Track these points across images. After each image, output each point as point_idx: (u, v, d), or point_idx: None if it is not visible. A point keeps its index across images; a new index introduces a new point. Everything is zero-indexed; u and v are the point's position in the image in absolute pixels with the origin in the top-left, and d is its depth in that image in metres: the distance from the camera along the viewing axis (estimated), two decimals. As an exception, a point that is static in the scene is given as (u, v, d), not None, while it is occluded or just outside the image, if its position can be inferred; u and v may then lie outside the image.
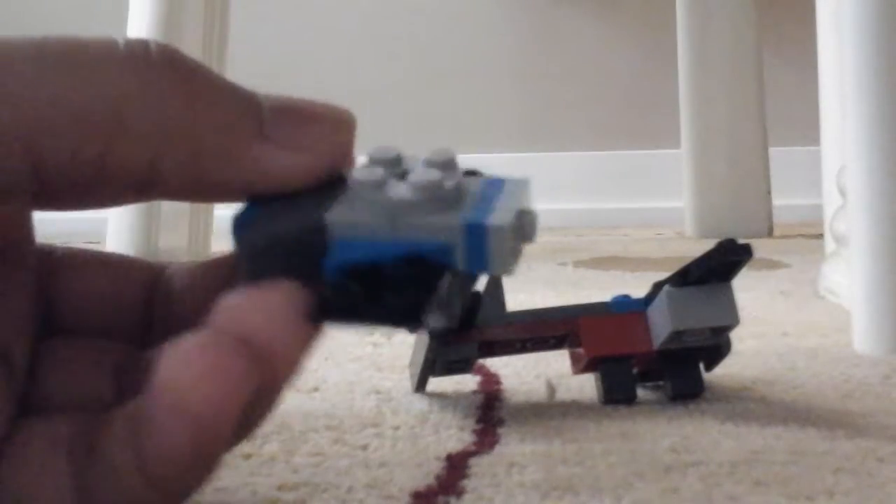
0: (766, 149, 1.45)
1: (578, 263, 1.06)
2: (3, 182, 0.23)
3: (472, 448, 0.36)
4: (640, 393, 0.44)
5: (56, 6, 1.96)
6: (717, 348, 0.43)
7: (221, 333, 0.23)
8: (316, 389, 0.45)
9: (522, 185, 0.26)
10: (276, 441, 0.37)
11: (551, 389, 0.45)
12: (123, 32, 1.08)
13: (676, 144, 1.50)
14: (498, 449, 0.36)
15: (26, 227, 0.27)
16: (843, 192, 0.61)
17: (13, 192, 0.24)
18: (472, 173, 0.27)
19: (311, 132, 0.26)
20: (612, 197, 1.90)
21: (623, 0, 1.94)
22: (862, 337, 0.52)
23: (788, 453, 0.35)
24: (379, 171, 0.25)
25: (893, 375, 0.47)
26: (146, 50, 0.24)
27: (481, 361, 0.47)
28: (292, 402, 0.43)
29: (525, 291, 0.77)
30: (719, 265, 0.40)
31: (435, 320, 0.24)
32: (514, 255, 0.25)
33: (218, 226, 1.13)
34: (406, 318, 0.24)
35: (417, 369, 0.44)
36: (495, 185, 0.26)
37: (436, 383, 0.45)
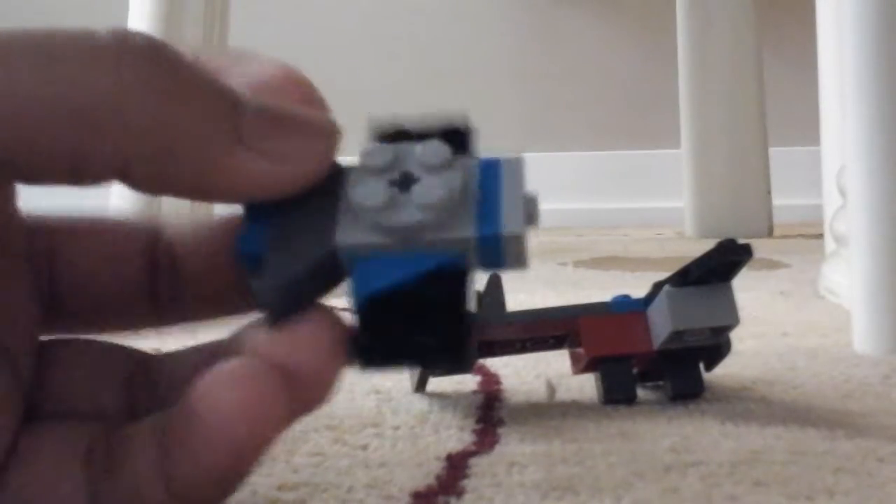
0: (766, 149, 1.45)
1: (578, 263, 1.06)
2: None
3: (472, 448, 0.36)
4: (640, 393, 0.44)
5: (56, 6, 1.96)
6: (717, 348, 0.43)
7: (262, 362, 0.24)
8: (316, 389, 0.45)
9: (518, 165, 0.25)
10: (266, 452, 0.37)
11: (551, 389, 0.45)
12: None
13: (676, 144, 1.50)
14: (498, 449, 0.36)
15: (9, 214, 0.26)
16: (843, 192, 0.61)
17: None
18: (458, 141, 0.26)
19: (294, 141, 0.24)
20: (612, 197, 1.90)
21: (623, 0, 1.94)
22: (862, 337, 0.52)
23: (788, 453, 0.35)
24: (380, 189, 0.24)
25: (893, 375, 0.47)
26: (127, 41, 0.23)
27: (481, 361, 0.47)
28: (292, 402, 0.43)
29: (525, 291, 0.77)
30: (719, 265, 0.40)
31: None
32: (526, 246, 0.24)
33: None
34: (446, 342, 0.24)
35: (417, 369, 0.44)
36: (493, 172, 0.25)
37: (436, 383, 0.45)
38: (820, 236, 0.81)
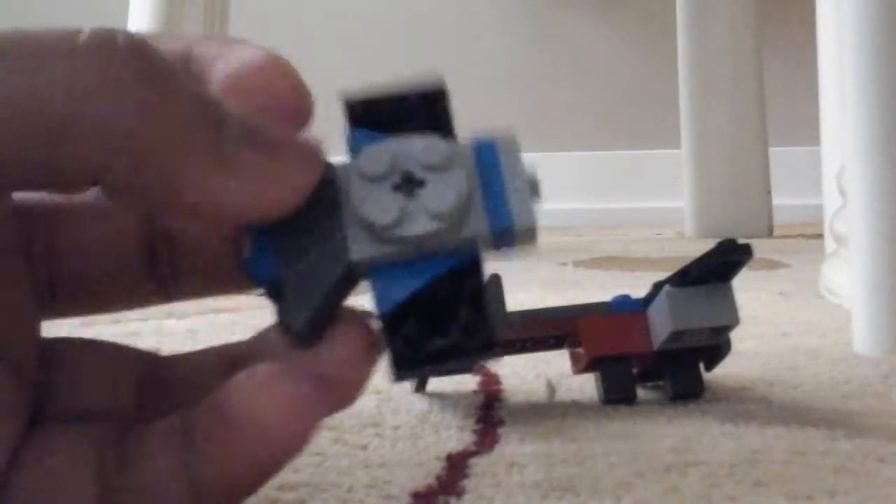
0: (766, 149, 1.45)
1: (578, 263, 1.06)
2: None
3: (472, 448, 0.36)
4: (640, 393, 0.44)
5: (56, 7, 1.96)
6: (717, 348, 0.43)
7: (297, 366, 0.24)
8: (316, 389, 0.45)
9: (512, 144, 0.25)
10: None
11: (551, 389, 0.45)
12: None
13: (676, 144, 1.50)
14: (498, 449, 0.36)
15: (2, 216, 0.26)
16: (843, 192, 0.61)
17: None
18: (435, 105, 0.25)
19: (275, 168, 0.23)
20: (612, 197, 1.90)
21: (623, 0, 1.94)
22: (862, 337, 0.52)
23: (788, 453, 0.35)
24: (388, 202, 0.24)
25: (893, 375, 0.47)
26: (110, 42, 0.22)
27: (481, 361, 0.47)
28: (292, 402, 0.43)
29: (525, 291, 0.77)
30: (719, 265, 0.40)
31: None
32: (536, 225, 0.24)
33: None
34: (475, 334, 0.24)
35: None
36: (490, 157, 0.25)
37: (436, 383, 0.45)
38: (820, 236, 0.81)
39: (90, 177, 0.22)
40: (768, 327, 0.61)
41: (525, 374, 0.48)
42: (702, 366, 0.43)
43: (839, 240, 0.69)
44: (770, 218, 1.45)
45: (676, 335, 0.41)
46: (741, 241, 0.40)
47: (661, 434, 0.38)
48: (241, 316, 0.69)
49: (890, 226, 0.52)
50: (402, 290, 0.24)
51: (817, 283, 0.76)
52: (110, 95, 0.22)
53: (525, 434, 0.38)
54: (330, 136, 0.25)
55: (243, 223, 0.24)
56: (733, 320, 0.41)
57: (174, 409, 0.25)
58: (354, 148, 0.25)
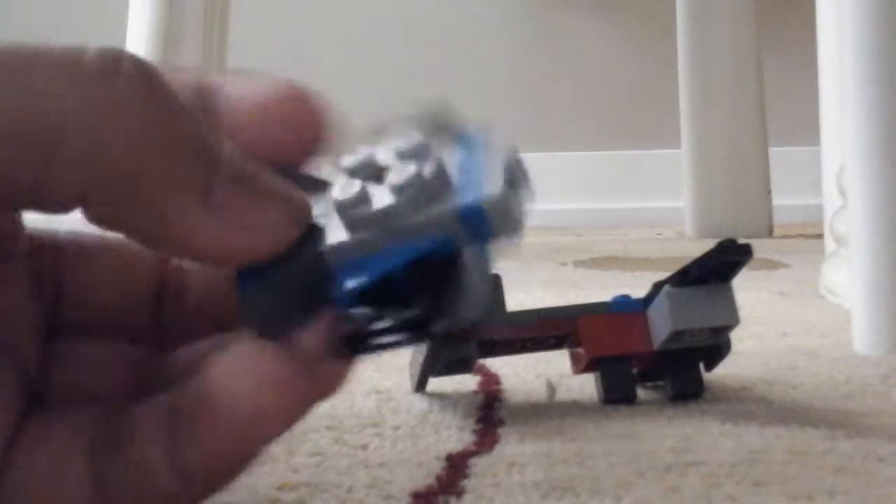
0: (766, 149, 1.45)
1: (578, 263, 1.06)
2: None
3: (472, 448, 0.36)
4: (640, 393, 0.44)
5: (56, 10, 1.96)
6: (717, 348, 0.43)
7: (278, 347, 0.24)
8: (316, 389, 0.45)
9: (492, 135, 0.25)
10: (276, 441, 0.37)
11: (551, 389, 0.45)
12: (124, 36, 1.08)
13: (676, 144, 1.50)
14: (498, 449, 0.36)
15: (10, 224, 0.26)
16: (843, 192, 0.61)
17: None
18: (438, 120, 0.25)
19: (260, 215, 0.23)
20: (612, 197, 1.90)
21: (623, 0, 1.94)
22: (862, 337, 0.52)
23: (788, 453, 0.35)
24: (357, 185, 0.24)
25: (893, 375, 0.47)
26: (116, 62, 0.22)
27: (481, 361, 0.47)
28: (292, 402, 0.43)
29: (525, 291, 0.77)
30: (719, 265, 0.40)
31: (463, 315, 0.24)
32: (519, 214, 0.24)
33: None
34: (439, 321, 0.24)
35: (417, 369, 0.44)
36: (468, 146, 0.25)
37: (436, 383, 0.45)
38: (820, 236, 0.81)
39: (77, 198, 0.22)
40: (768, 327, 0.61)
41: (525, 374, 0.48)
42: (702, 366, 0.43)
43: (839, 240, 0.69)
44: (770, 218, 1.45)
45: (676, 335, 0.41)
46: (741, 241, 0.40)
47: (661, 434, 0.38)
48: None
49: (890, 226, 0.52)
50: (363, 274, 0.24)
51: (817, 283, 0.76)
52: (107, 121, 0.22)
53: (525, 434, 0.38)
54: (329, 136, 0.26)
55: (217, 264, 0.24)
56: (733, 320, 0.41)
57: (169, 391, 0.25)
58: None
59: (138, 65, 0.22)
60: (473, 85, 1.97)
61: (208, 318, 0.28)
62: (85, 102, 0.22)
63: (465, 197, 0.23)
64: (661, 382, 0.44)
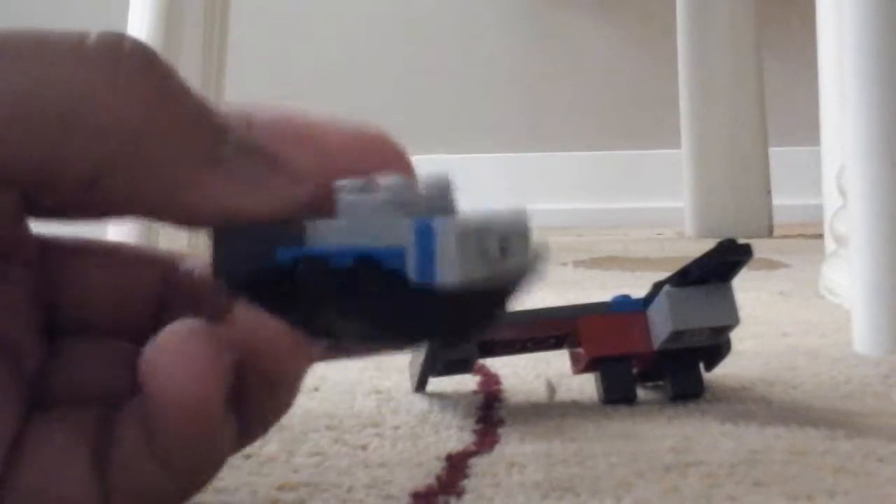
0: (766, 149, 1.45)
1: (578, 263, 1.06)
2: None
3: (472, 448, 0.36)
4: (640, 393, 0.44)
5: (56, 9, 1.96)
6: (717, 348, 0.43)
7: (197, 322, 0.24)
8: (316, 389, 0.45)
9: (518, 214, 0.24)
10: (276, 441, 0.37)
11: (551, 389, 0.45)
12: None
13: (676, 144, 1.50)
14: (498, 449, 0.36)
15: (14, 223, 0.27)
16: (843, 192, 0.61)
17: None
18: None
19: (271, 178, 0.24)
20: (612, 197, 1.90)
21: (623, 0, 1.94)
22: (862, 337, 0.52)
23: (788, 453, 0.35)
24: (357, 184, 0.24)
25: (893, 375, 0.47)
26: (117, 45, 0.23)
27: (481, 361, 0.47)
28: (292, 402, 0.43)
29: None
30: (719, 265, 0.40)
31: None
32: (477, 270, 0.23)
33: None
34: (370, 327, 0.23)
35: (417, 369, 0.44)
36: (480, 212, 0.24)
37: (436, 383, 0.45)
38: (820, 236, 0.81)
39: (89, 178, 0.23)
40: (768, 327, 0.61)
41: (525, 374, 0.48)
42: (702, 366, 0.43)
43: (839, 240, 0.69)
44: (770, 218, 1.45)
45: (676, 335, 0.41)
46: (741, 241, 0.40)
47: (661, 434, 0.38)
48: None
49: (890, 226, 0.52)
50: (312, 248, 0.24)
51: (817, 283, 0.76)
52: (114, 98, 0.22)
53: (525, 434, 0.38)
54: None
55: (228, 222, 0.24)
56: (733, 320, 0.41)
57: None
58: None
59: (138, 45, 0.23)
60: (473, 85, 1.96)
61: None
62: (91, 83, 0.22)
63: (428, 217, 0.23)
64: (661, 382, 0.44)
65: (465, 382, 0.47)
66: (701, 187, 1.46)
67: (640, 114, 1.92)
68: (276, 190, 0.24)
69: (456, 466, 0.34)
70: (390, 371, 0.48)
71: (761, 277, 0.89)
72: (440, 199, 0.24)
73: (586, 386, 0.45)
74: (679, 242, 1.36)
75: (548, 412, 0.42)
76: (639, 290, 0.44)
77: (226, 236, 0.24)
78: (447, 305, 0.23)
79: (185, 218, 0.24)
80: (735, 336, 0.43)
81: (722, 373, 0.45)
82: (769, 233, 1.43)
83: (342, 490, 0.32)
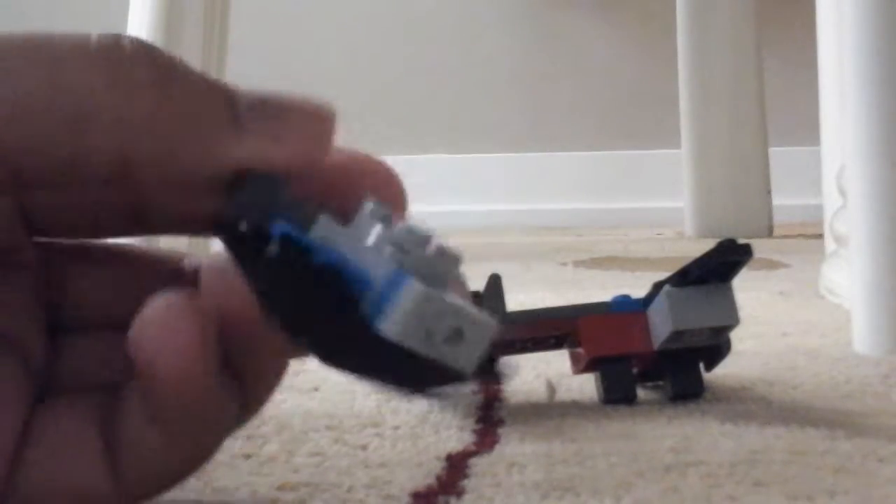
0: (766, 149, 1.45)
1: (578, 263, 1.06)
2: None
3: (472, 448, 0.36)
4: (640, 393, 0.44)
5: (57, 5, 1.96)
6: (717, 348, 0.43)
7: (177, 294, 0.25)
8: (316, 389, 0.45)
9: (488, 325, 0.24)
10: (276, 441, 0.37)
11: (551, 389, 0.45)
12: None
13: (676, 144, 1.50)
14: (498, 449, 0.36)
15: (14, 226, 0.27)
16: (843, 192, 0.61)
17: None
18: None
19: (288, 123, 0.25)
20: (612, 197, 1.90)
21: (623, 0, 1.94)
22: (862, 337, 0.52)
23: (788, 453, 0.35)
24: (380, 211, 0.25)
25: (893, 375, 0.47)
26: (117, 44, 0.24)
27: (481, 361, 0.47)
28: (292, 401, 0.43)
29: (525, 291, 0.77)
30: (719, 265, 0.40)
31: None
32: (416, 341, 0.23)
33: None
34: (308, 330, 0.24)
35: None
36: (464, 303, 0.24)
37: (436, 383, 0.45)
38: (820, 236, 0.81)
39: (116, 165, 0.24)
40: (768, 327, 0.61)
41: (525, 374, 0.48)
42: (702, 366, 0.43)
43: (839, 240, 0.69)
44: (770, 218, 1.45)
45: (676, 335, 0.41)
46: (741, 241, 0.40)
47: (661, 434, 0.38)
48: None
49: (890, 226, 0.52)
50: (301, 236, 0.24)
51: (817, 283, 0.76)
52: (123, 92, 0.24)
53: (525, 434, 0.38)
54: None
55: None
56: (733, 320, 0.41)
57: None
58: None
59: (136, 41, 0.25)
60: (473, 85, 1.96)
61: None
62: (101, 77, 0.24)
63: (407, 272, 0.23)
64: (661, 382, 0.44)
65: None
66: (701, 187, 1.46)
67: (640, 114, 1.92)
68: (297, 131, 0.25)
69: (456, 466, 0.34)
70: (390, 371, 0.48)
71: (761, 277, 0.89)
72: (441, 265, 0.24)
73: (586, 386, 0.45)
74: (679, 242, 1.36)
75: (548, 412, 0.42)
76: (639, 290, 0.44)
77: (240, 191, 0.25)
78: (384, 349, 0.23)
79: (216, 182, 0.25)
80: (735, 336, 0.43)
81: (722, 373, 0.45)
82: (769, 233, 1.43)
83: (342, 490, 0.32)
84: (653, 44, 1.85)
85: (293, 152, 0.25)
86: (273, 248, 0.24)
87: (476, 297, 0.38)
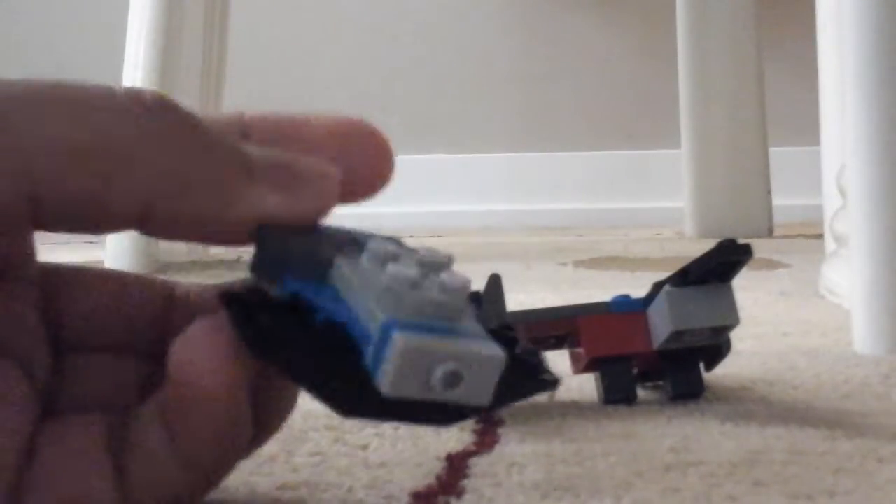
0: (766, 149, 1.45)
1: (578, 263, 1.06)
2: (3, 214, 0.24)
3: (472, 448, 0.36)
4: (640, 393, 0.44)
5: (56, 8, 1.96)
6: (717, 348, 0.43)
7: (219, 319, 0.25)
8: (316, 389, 0.45)
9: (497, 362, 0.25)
10: (276, 441, 0.37)
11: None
12: (124, 36, 1.07)
13: (676, 144, 1.50)
14: (498, 449, 0.36)
15: (27, 248, 0.28)
16: (843, 192, 0.61)
17: (12, 223, 0.25)
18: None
19: (298, 178, 0.26)
20: (612, 197, 1.90)
21: (623, 0, 1.94)
22: (862, 337, 0.52)
23: (788, 453, 0.35)
24: (391, 248, 0.25)
25: (893, 375, 0.47)
26: (141, 97, 0.26)
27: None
28: (292, 402, 0.43)
29: (525, 291, 0.77)
30: (719, 265, 0.40)
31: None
32: (412, 391, 0.24)
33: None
34: (320, 381, 0.25)
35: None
36: (465, 340, 0.25)
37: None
38: (820, 236, 0.81)
39: (137, 208, 0.25)
40: (768, 327, 0.61)
41: (525, 374, 0.48)
42: (702, 366, 0.43)
43: (839, 240, 0.69)
44: (770, 218, 1.45)
45: (676, 335, 0.41)
46: (741, 241, 0.40)
47: (661, 434, 0.38)
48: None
49: (890, 226, 0.52)
50: (305, 288, 0.25)
51: (817, 283, 0.76)
52: (156, 140, 0.25)
53: (525, 434, 0.38)
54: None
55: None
56: (733, 320, 0.41)
57: None
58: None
59: (157, 94, 0.26)
60: (473, 85, 1.96)
61: None
62: (129, 127, 0.25)
63: (400, 324, 0.24)
64: (661, 382, 0.44)
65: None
66: (701, 187, 1.46)
67: (640, 114, 1.92)
68: (307, 186, 0.26)
69: (456, 466, 0.34)
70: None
71: (761, 277, 0.89)
72: (453, 298, 0.24)
73: (586, 386, 0.45)
74: (679, 242, 1.36)
75: (548, 412, 0.42)
76: (639, 290, 0.44)
77: (266, 239, 0.26)
78: (393, 398, 0.24)
79: (235, 230, 0.26)
80: (735, 336, 0.43)
81: (722, 373, 0.45)
82: (769, 233, 1.43)
83: (342, 490, 0.32)
84: (653, 44, 1.85)
85: (302, 203, 0.26)
86: (280, 309, 0.25)
87: (476, 298, 0.38)
